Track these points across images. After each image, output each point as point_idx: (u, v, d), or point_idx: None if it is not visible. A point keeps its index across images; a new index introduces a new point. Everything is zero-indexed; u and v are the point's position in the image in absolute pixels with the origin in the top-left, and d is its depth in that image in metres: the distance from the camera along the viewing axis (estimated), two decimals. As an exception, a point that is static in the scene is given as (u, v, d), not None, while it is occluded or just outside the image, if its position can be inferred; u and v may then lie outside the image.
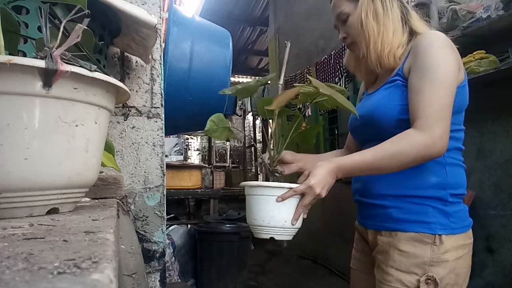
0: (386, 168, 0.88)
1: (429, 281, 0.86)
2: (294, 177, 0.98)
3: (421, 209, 0.92)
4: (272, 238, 0.89)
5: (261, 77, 1.03)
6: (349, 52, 1.13)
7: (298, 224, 0.90)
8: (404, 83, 0.95)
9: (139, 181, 1.02)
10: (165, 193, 1.06)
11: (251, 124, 7.96)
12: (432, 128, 0.83)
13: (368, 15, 0.98)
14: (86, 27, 0.48)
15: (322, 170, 0.87)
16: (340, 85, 3.07)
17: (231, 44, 1.26)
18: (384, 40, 0.97)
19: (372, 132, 0.99)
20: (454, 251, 0.89)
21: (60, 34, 0.48)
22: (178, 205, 4.34)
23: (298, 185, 0.87)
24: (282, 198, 0.87)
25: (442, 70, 0.88)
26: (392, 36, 0.98)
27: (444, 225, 0.90)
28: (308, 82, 0.92)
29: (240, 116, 4.47)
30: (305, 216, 0.91)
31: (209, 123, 0.95)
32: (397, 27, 0.99)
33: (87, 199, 0.81)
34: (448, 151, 0.90)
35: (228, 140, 9.42)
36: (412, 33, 1.00)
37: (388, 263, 0.92)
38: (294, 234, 0.92)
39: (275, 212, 0.87)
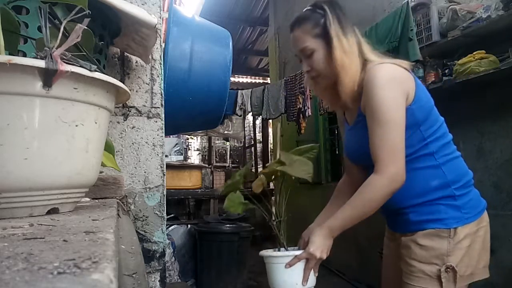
0: (365, 214, 1.00)
1: (448, 269, 0.98)
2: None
3: (434, 209, 1.03)
4: None
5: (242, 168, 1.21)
6: (310, 80, 1.18)
7: (310, 283, 1.03)
8: (366, 122, 1.05)
9: (139, 181, 1.02)
10: (165, 193, 1.06)
11: (251, 124, 7.96)
12: (387, 169, 0.97)
13: (335, 53, 1.06)
14: (86, 27, 0.48)
15: (319, 237, 1.02)
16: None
17: (231, 44, 1.26)
18: (350, 75, 1.06)
19: (369, 160, 1.06)
20: (468, 238, 1.00)
21: (60, 34, 0.48)
22: (178, 205, 4.34)
23: (302, 251, 1.02)
24: (289, 265, 1.02)
25: (386, 111, 0.98)
26: (354, 69, 1.07)
27: (457, 218, 1.01)
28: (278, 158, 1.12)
29: (240, 116, 4.45)
30: (316, 274, 1.05)
31: (227, 202, 1.16)
32: (357, 61, 1.08)
33: (87, 199, 0.81)
34: (437, 152, 1.04)
35: (227, 140, 9.43)
36: (365, 62, 1.08)
37: (411, 256, 1.03)
38: None
39: (286, 277, 1.02)
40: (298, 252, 1.02)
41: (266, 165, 1.13)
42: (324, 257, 1.02)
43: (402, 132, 0.98)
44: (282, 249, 1.10)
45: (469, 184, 1.08)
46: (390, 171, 0.96)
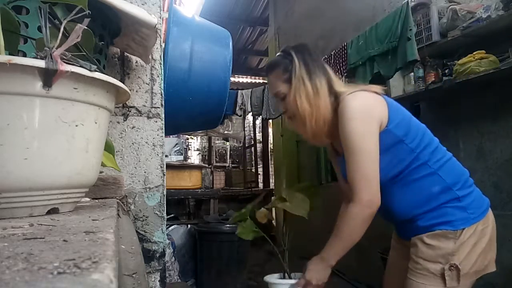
0: (353, 240, 1.06)
1: (452, 267, 1.01)
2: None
3: (441, 212, 1.06)
4: None
5: (254, 204, 1.43)
6: (288, 120, 1.25)
7: None
8: None
9: (139, 181, 1.02)
10: (165, 193, 1.06)
11: (251, 124, 7.96)
12: (362, 197, 1.03)
13: (302, 98, 1.12)
14: (86, 27, 0.48)
15: (315, 266, 1.11)
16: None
17: (231, 44, 1.26)
18: (318, 117, 1.12)
19: None
20: (473, 237, 1.04)
21: (60, 34, 0.48)
22: (178, 205, 4.34)
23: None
24: None
25: (357, 141, 1.03)
26: (324, 110, 1.12)
27: (464, 219, 1.04)
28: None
29: (240, 116, 4.45)
30: None
31: (240, 229, 1.34)
32: (327, 101, 1.13)
33: (87, 199, 0.80)
34: (429, 160, 1.07)
35: (227, 140, 9.43)
36: (337, 96, 1.13)
37: (417, 254, 1.07)
38: None
39: None
40: (295, 281, 1.15)
41: (271, 202, 1.35)
42: (320, 283, 1.10)
43: (374, 160, 1.03)
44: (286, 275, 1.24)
45: (470, 183, 1.11)
46: (364, 198, 1.02)
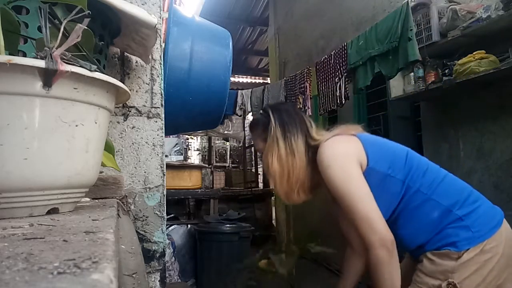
0: (396, 285, 1.00)
1: (449, 285, 0.99)
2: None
3: (444, 234, 1.03)
4: None
5: None
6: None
7: None
8: None
9: (139, 181, 1.02)
10: (165, 193, 1.05)
11: (251, 124, 7.95)
12: (371, 241, 0.98)
13: (273, 157, 1.12)
14: (86, 27, 0.48)
15: None
16: (340, 85, 3.05)
17: (231, 44, 1.26)
18: (290, 177, 1.11)
19: None
20: (481, 256, 0.99)
21: (60, 34, 0.48)
22: (178, 205, 4.34)
23: None
24: None
25: (342, 186, 1.01)
26: (299, 170, 1.11)
27: (469, 239, 1.00)
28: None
29: (240, 116, 4.45)
30: None
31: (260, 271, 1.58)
32: (303, 159, 1.12)
33: (87, 199, 0.80)
34: (421, 186, 1.04)
35: (227, 140, 9.43)
36: (315, 149, 1.12)
37: (421, 268, 1.06)
38: None
39: None
40: None
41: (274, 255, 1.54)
42: None
43: (368, 198, 1.00)
44: None
45: (472, 200, 1.06)
46: (374, 240, 0.98)
